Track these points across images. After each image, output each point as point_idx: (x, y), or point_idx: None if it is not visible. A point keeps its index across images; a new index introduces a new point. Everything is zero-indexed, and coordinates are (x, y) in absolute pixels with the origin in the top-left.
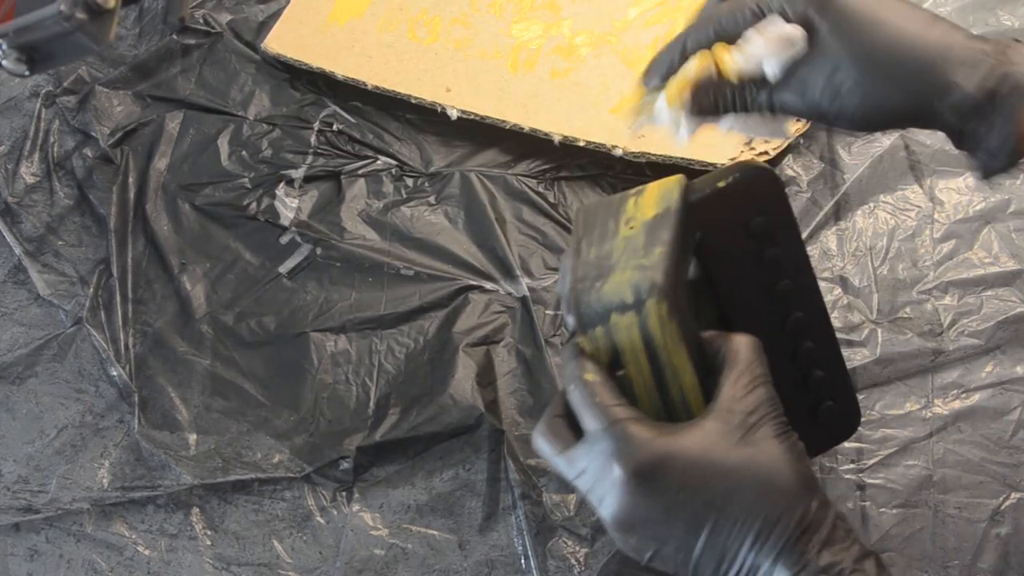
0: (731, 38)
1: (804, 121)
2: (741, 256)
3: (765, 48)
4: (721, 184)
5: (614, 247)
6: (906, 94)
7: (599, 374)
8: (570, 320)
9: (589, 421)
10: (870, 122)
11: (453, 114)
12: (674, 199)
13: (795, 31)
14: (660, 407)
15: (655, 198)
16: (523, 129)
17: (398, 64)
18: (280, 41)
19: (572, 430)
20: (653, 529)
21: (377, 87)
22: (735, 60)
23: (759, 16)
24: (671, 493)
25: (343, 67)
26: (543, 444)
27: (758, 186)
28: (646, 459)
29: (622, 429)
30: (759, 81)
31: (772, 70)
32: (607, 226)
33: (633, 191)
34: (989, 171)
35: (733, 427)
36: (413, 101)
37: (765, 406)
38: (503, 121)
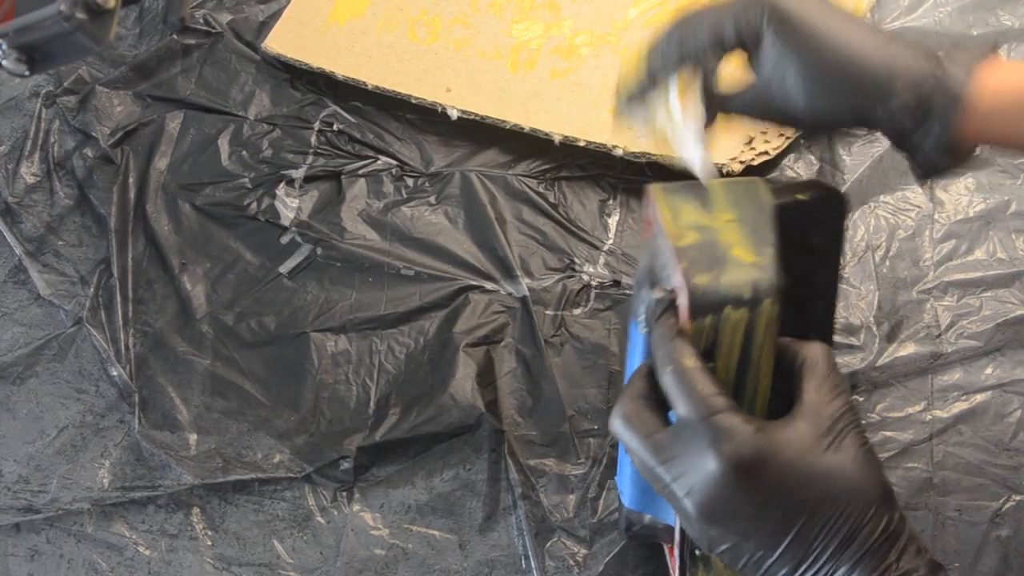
0: (695, 61)
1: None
2: (791, 271)
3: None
4: (802, 197)
5: (717, 239)
6: (849, 101)
7: (698, 361)
8: (654, 296)
9: (686, 408)
10: (818, 125)
11: (453, 114)
12: (764, 200)
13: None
14: None
15: (739, 194)
16: (523, 129)
17: (398, 64)
18: (280, 41)
19: (655, 414)
20: (740, 524)
21: (377, 87)
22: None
23: (717, 39)
24: (767, 490)
25: (343, 67)
26: (625, 427)
27: (831, 207)
28: (747, 453)
29: (723, 420)
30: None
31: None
32: (698, 213)
33: (707, 182)
34: (928, 174)
35: (822, 431)
36: (413, 101)
37: (849, 414)
38: (503, 121)
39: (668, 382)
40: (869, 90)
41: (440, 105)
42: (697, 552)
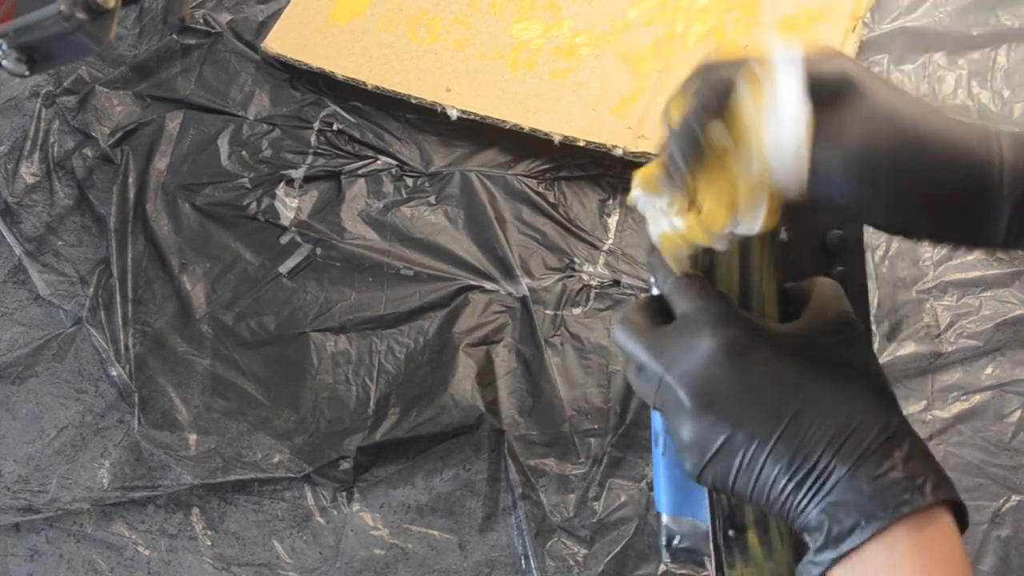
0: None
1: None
2: (811, 271)
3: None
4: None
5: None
6: (961, 174)
7: (700, 273)
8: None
9: (685, 303)
10: (895, 215)
11: (453, 114)
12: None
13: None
14: None
15: None
16: (523, 129)
17: (398, 64)
18: (280, 41)
19: (655, 319)
20: (732, 407)
21: (377, 87)
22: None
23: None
24: (761, 372)
25: (343, 67)
26: (623, 328)
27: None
28: (740, 333)
29: (719, 307)
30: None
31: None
32: None
33: None
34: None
35: (823, 336)
36: (413, 101)
37: (854, 325)
38: (503, 121)
39: (669, 288)
40: (980, 157)
41: (440, 105)
42: (731, 534)
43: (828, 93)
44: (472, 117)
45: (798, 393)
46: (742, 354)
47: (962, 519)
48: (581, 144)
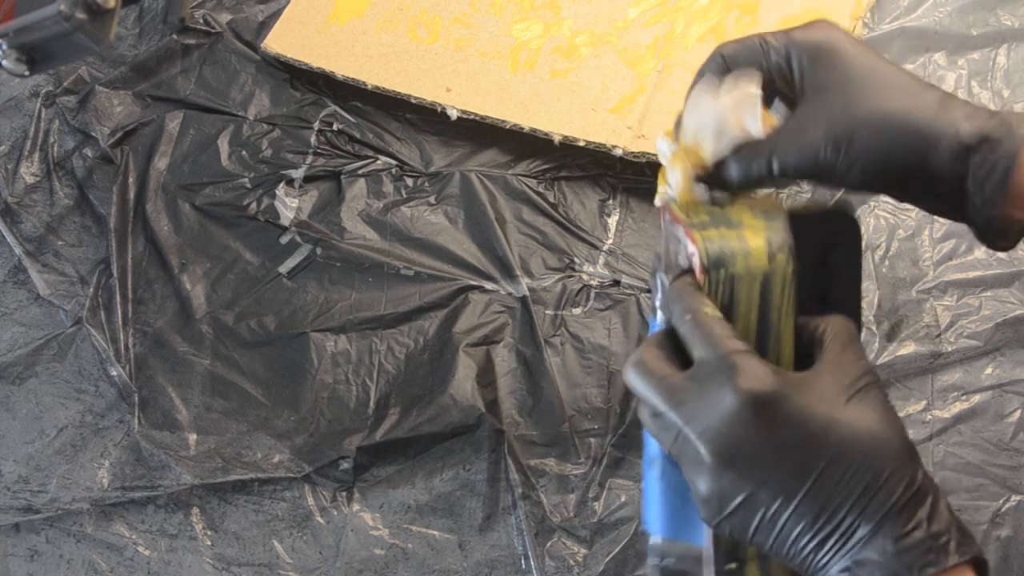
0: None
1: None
2: (807, 290)
3: (735, 112)
4: (815, 208)
5: (729, 216)
6: (900, 145)
7: (716, 311)
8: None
9: (703, 350)
10: (857, 175)
11: (453, 114)
12: (775, 205)
13: (753, 86)
14: None
15: (753, 199)
16: (523, 129)
17: (398, 64)
18: (280, 41)
19: (670, 362)
20: (756, 466)
21: (377, 87)
22: (707, 149)
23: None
24: (785, 429)
25: (343, 67)
26: (637, 371)
27: (846, 226)
28: (766, 390)
29: (741, 359)
30: (750, 147)
31: (755, 126)
32: (709, 206)
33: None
34: (988, 226)
35: (844, 384)
36: (413, 101)
37: (871, 374)
38: (503, 121)
39: (686, 330)
40: (925, 133)
41: (440, 105)
42: (732, 567)
43: (811, 60)
44: (472, 117)
45: (824, 449)
46: (766, 411)
47: (983, 573)
48: (581, 144)
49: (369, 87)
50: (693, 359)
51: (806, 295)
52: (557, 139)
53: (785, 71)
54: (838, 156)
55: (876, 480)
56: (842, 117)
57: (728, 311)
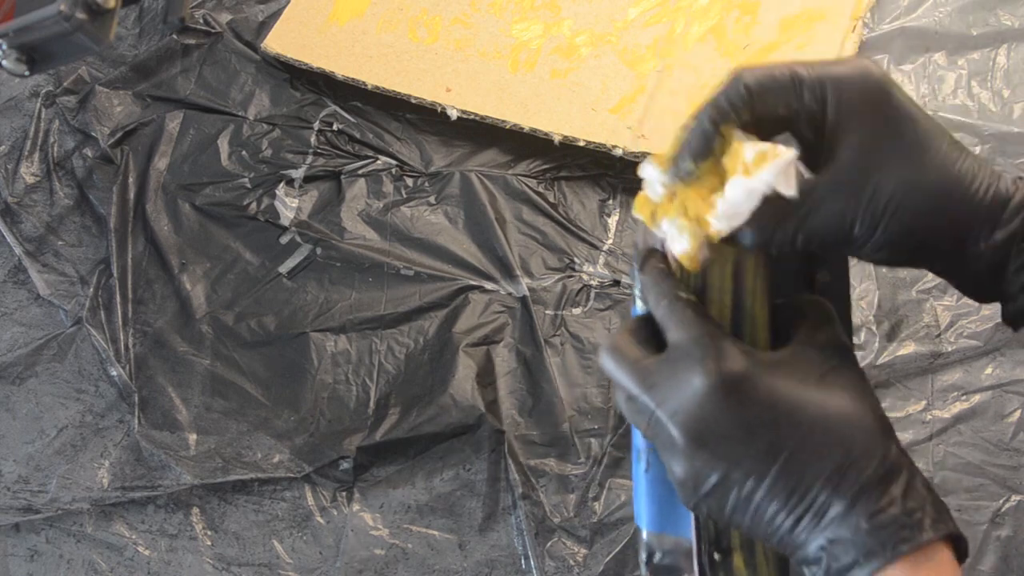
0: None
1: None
2: (794, 278)
3: (763, 181)
4: None
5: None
6: (951, 229)
7: (691, 295)
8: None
9: (677, 331)
10: (902, 255)
11: (453, 114)
12: None
13: (785, 149)
14: None
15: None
16: (523, 129)
17: (398, 64)
18: (280, 41)
19: (645, 347)
20: (728, 446)
21: (377, 87)
22: (716, 223)
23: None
24: (756, 409)
25: (343, 67)
26: (611, 355)
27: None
28: (736, 369)
29: (712, 339)
30: (773, 214)
31: (789, 191)
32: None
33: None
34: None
35: (816, 363)
36: (413, 101)
37: (845, 350)
38: (503, 121)
39: (662, 314)
40: (978, 211)
41: (440, 105)
42: (716, 557)
43: (849, 108)
44: (472, 117)
45: (794, 428)
46: (736, 391)
47: (961, 550)
48: (581, 144)
49: (369, 87)
50: (668, 343)
51: (793, 280)
52: (557, 139)
53: (816, 114)
54: (873, 234)
55: (847, 457)
56: (885, 189)
57: (702, 296)
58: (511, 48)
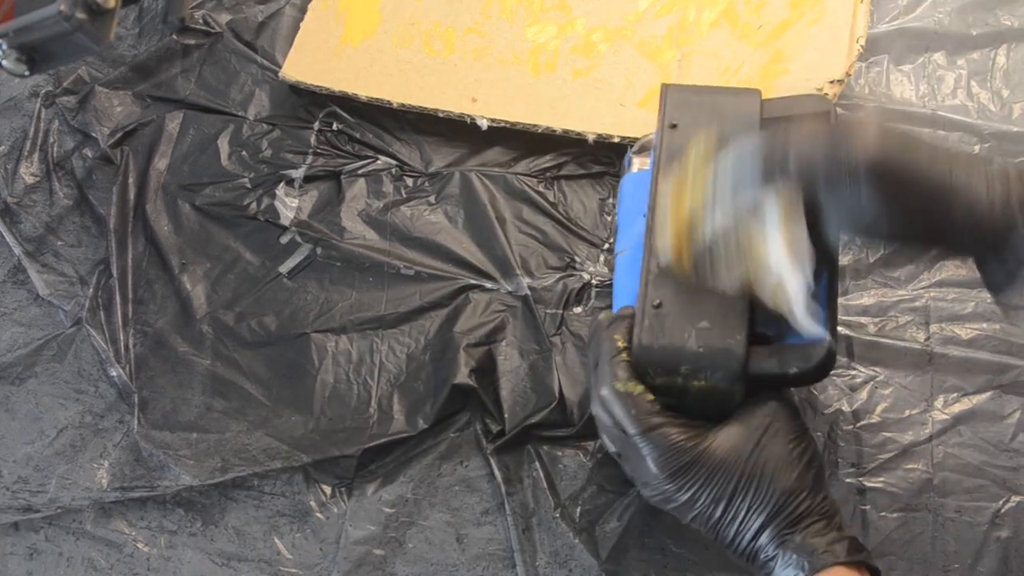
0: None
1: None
2: None
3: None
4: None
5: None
6: (933, 220)
7: (635, 380)
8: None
9: (626, 425)
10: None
11: (484, 124)
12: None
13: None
14: None
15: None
16: (555, 131)
17: (419, 80)
18: (297, 68)
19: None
20: (681, 507)
21: (403, 104)
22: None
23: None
24: (697, 486)
25: (365, 88)
26: (598, 417)
27: None
28: (679, 464)
29: (658, 435)
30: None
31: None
32: None
33: None
34: (1009, 282)
35: (752, 431)
36: (441, 115)
37: (778, 420)
38: (535, 126)
39: (608, 397)
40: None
41: (469, 116)
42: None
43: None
44: (503, 124)
45: (732, 494)
46: (683, 475)
47: None
48: (616, 140)
49: (395, 105)
50: (618, 424)
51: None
52: (591, 138)
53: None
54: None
55: (772, 512)
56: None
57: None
58: (529, 52)
